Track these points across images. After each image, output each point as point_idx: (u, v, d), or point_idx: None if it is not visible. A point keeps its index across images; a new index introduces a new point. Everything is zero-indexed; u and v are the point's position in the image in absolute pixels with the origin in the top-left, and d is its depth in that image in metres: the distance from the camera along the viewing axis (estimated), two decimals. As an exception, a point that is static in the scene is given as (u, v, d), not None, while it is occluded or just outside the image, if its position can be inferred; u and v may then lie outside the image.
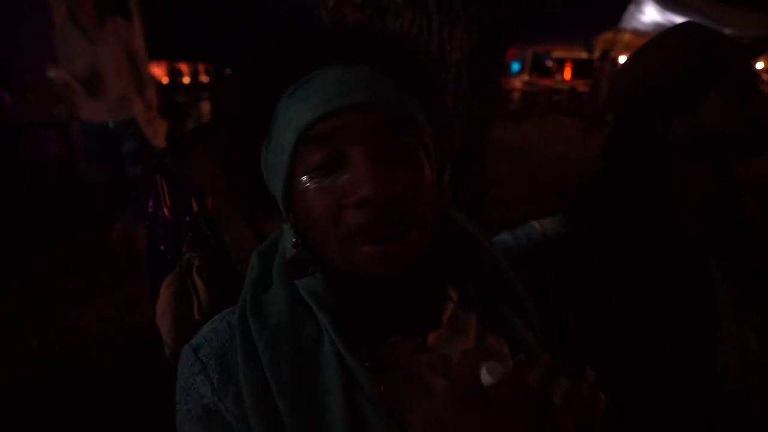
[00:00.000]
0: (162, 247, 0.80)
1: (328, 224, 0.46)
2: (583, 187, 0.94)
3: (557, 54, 15.09)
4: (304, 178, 0.47)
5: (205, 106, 7.26)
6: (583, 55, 12.56)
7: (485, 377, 0.38)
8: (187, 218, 0.77)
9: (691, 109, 0.80)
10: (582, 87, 12.67)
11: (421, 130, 0.51)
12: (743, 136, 0.78)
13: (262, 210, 0.59)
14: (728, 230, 0.87)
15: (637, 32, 9.67)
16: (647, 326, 0.78)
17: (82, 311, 2.57)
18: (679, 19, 8.93)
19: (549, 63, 16.81)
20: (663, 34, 0.84)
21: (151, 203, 0.81)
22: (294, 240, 0.52)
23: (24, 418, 1.85)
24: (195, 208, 0.79)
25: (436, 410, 0.50)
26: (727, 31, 0.81)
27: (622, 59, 11.39)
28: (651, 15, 9.38)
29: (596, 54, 10.51)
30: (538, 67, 15.84)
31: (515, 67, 14.63)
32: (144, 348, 2.16)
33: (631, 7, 9.55)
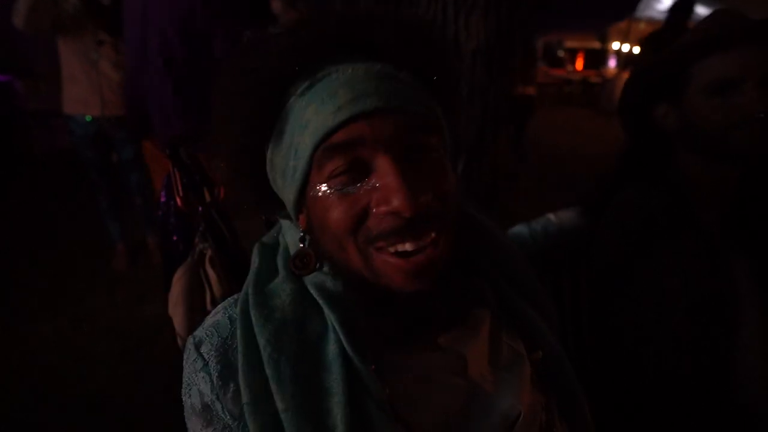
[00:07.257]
0: (174, 238, 0.80)
1: (348, 231, 0.44)
2: (600, 180, 0.92)
3: (569, 44, 14.84)
4: (324, 186, 0.44)
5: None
6: (596, 45, 12.33)
7: None
8: (200, 209, 0.77)
9: (681, 100, 0.77)
10: (594, 78, 12.47)
11: (443, 131, 0.49)
12: (721, 137, 0.73)
13: (259, 207, 0.55)
14: (758, 228, 0.84)
15: (652, 21, 9.46)
16: (665, 323, 0.76)
17: (95, 300, 2.60)
18: (696, 7, 8.73)
19: (561, 53, 16.55)
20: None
21: (163, 193, 0.80)
22: (301, 234, 0.51)
23: (38, 403, 1.88)
24: (207, 198, 0.78)
25: (447, 410, 0.48)
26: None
27: (637, 50, 11.19)
28: (668, 3, 9.15)
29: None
30: (549, 58, 15.60)
31: (526, 57, 14.43)
32: (155, 336, 2.20)
33: (648, -5, 9.34)
